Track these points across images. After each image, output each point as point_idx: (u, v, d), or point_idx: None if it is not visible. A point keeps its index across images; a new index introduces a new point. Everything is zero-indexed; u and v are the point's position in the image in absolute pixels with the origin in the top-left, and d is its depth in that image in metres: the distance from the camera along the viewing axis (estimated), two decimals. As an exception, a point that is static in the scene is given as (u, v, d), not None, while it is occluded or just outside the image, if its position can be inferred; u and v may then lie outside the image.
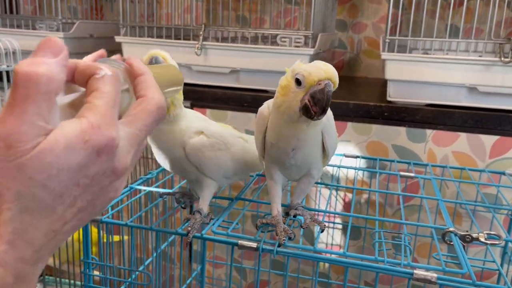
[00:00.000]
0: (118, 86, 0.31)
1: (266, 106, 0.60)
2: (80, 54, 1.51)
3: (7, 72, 1.10)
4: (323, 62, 0.52)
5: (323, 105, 0.51)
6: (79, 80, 0.31)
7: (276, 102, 0.56)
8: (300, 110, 0.52)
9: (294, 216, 0.65)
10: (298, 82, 0.52)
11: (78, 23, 1.26)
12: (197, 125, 0.64)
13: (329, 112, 0.59)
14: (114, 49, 1.24)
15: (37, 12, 1.62)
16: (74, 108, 0.31)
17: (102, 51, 0.40)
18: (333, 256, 0.60)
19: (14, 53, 1.12)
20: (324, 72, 0.51)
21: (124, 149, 0.31)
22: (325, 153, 0.61)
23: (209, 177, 0.66)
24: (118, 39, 1.16)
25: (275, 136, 0.58)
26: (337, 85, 0.52)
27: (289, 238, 0.59)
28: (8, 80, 1.13)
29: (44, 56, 0.28)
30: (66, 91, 0.32)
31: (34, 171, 0.26)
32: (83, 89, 0.32)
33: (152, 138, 0.64)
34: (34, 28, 1.29)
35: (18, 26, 1.29)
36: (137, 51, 1.16)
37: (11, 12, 1.47)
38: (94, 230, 0.82)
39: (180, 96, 0.61)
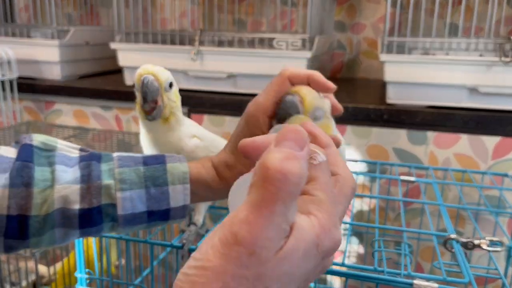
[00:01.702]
0: (330, 174, 0.28)
1: None
2: (76, 62, 1.51)
3: (2, 82, 1.10)
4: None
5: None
6: None
7: None
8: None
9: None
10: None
11: (73, 30, 1.25)
12: (191, 129, 0.63)
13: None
14: (110, 55, 1.24)
15: (32, 19, 1.61)
16: None
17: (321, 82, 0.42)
18: (332, 266, 0.59)
19: (9, 62, 1.11)
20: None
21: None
22: None
23: None
24: (113, 45, 1.15)
25: None
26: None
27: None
28: (3, 90, 1.13)
29: (293, 148, 0.24)
30: None
31: (272, 281, 0.23)
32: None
33: (150, 146, 0.63)
34: (29, 36, 1.29)
35: (14, 34, 1.29)
36: (132, 57, 1.15)
37: (6, 20, 1.47)
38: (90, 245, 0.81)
39: (178, 105, 0.60)
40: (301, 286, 0.26)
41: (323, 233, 0.25)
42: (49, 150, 0.44)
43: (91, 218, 0.43)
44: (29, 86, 1.24)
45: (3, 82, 1.10)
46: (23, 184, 0.41)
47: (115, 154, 0.47)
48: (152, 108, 0.54)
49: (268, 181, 0.23)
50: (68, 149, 0.46)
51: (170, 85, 0.56)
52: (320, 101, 0.46)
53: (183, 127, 0.62)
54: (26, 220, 0.41)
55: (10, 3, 1.58)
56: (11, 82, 1.13)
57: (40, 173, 0.42)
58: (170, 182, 0.45)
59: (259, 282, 0.23)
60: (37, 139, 0.45)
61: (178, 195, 0.45)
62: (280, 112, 0.45)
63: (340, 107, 0.47)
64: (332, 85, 0.44)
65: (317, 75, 0.43)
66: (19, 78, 1.16)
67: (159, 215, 0.45)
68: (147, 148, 0.64)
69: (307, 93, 0.45)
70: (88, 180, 0.43)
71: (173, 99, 0.56)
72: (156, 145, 0.62)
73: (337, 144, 0.39)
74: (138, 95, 0.54)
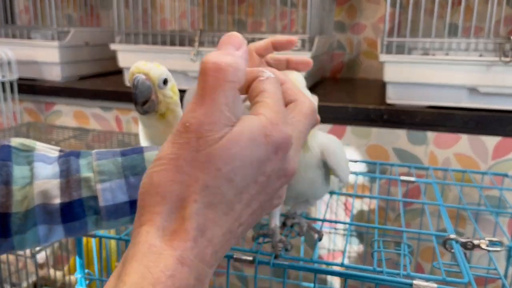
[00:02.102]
0: (280, 87, 0.31)
1: None
2: (76, 63, 1.51)
3: (2, 83, 1.10)
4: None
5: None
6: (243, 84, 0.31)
7: None
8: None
9: (292, 226, 0.64)
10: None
11: (73, 31, 1.26)
12: None
13: (337, 145, 0.57)
14: (110, 56, 1.24)
15: (33, 21, 1.62)
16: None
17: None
18: (332, 267, 0.58)
19: (9, 63, 1.11)
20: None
21: (293, 150, 0.30)
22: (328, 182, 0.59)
23: None
24: (113, 46, 1.16)
25: None
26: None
27: (286, 249, 0.58)
28: (4, 91, 1.13)
29: (228, 49, 0.28)
30: None
31: (222, 162, 0.25)
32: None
33: (146, 141, 0.62)
34: (29, 37, 1.29)
35: (14, 36, 1.29)
36: (132, 58, 1.15)
37: (6, 22, 1.47)
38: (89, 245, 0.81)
39: (176, 100, 0.58)
40: (257, 176, 0.27)
41: (270, 124, 0.27)
42: (27, 150, 0.44)
43: (73, 211, 0.42)
44: (29, 87, 1.24)
45: (3, 83, 1.10)
46: (2, 182, 0.41)
47: (94, 150, 0.47)
48: (143, 102, 0.53)
49: (206, 73, 0.26)
50: (47, 150, 0.46)
51: (165, 81, 0.54)
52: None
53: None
54: (7, 217, 0.41)
55: (11, 5, 1.58)
56: (11, 83, 1.13)
57: (19, 171, 0.42)
58: None
59: (210, 164, 0.25)
60: (16, 141, 0.45)
61: None
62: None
63: (306, 59, 0.52)
64: (293, 39, 0.50)
65: (277, 38, 0.50)
66: (19, 79, 1.16)
67: None
68: (144, 143, 0.63)
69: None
70: (67, 174, 0.43)
71: (169, 95, 0.54)
72: (153, 140, 0.61)
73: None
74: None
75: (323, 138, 0.57)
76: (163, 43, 1.15)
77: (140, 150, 0.46)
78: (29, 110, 1.29)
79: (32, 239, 0.43)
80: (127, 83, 1.20)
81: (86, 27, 1.50)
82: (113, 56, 1.19)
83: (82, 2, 1.58)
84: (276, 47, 0.51)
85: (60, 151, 0.47)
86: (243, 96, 0.31)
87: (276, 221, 0.61)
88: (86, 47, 1.32)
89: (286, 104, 0.32)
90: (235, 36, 0.30)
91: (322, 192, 0.60)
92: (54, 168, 0.43)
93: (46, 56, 1.24)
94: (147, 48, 1.13)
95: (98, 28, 1.48)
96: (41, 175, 0.42)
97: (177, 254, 0.24)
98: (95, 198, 0.43)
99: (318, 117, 0.34)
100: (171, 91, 0.55)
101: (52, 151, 0.46)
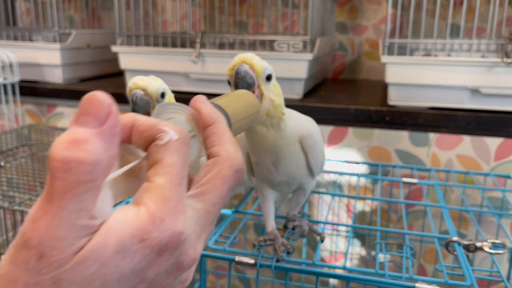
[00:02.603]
0: (186, 153, 0.25)
1: None
2: (78, 65, 1.51)
3: (4, 85, 1.10)
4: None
5: (238, 86, 0.46)
6: (137, 143, 0.25)
7: None
8: None
9: (293, 228, 0.64)
10: (229, 83, 0.49)
11: (74, 33, 1.26)
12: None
13: (314, 128, 0.56)
14: (111, 58, 1.24)
15: (34, 23, 1.62)
16: (135, 175, 0.25)
17: None
18: (334, 270, 0.58)
19: (11, 65, 1.11)
20: (237, 57, 0.47)
21: (193, 236, 0.24)
22: (311, 171, 0.58)
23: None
24: (114, 48, 1.16)
25: (252, 153, 0.55)
26: (258, 66, 0.47)
27: (288, 252, 0.58)
28: (5, 93, 1.13)
29: (86, 125, 0.21)
30: (121, 154, 0.26)
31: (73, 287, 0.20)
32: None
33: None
34: (31, 40, 1.29)
35: (15, 38, 1.29)
36: (134, 60, 1.15)
37: (8, 24, 1.47)
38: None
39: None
40: (139, 287, 0.22)
41: (151, 224, 0.22)
42: None
43: None
44: (31, 89, 1.24)
45: (5, 86, 1.10)
46: None
47: None
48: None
49: (52, 173, 0.20)
50: None
51: (162, 95, 0.55)
52: (265, 62, 0.48)
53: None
54: None
55: (12, 7, 1.59)
56: (13, 85, 1.13)
57: None
58: None
59: None
60: None
61: None
62: (239, 83, 0.46)
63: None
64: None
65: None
66: (21, 81, 1.16)
67: None
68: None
69: (252, 57, 0.47)
70: None
71: None
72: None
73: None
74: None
75: (302, 119, 0.55)
76: (165, 44, 1.15)
77: None
78: (30, 112, 1.29)
79: None
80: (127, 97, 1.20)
81: (88, 29, 1.50)
82: (114, 58, 1.19)
83: (84, 4, 1.58)
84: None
85: None
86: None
87: (272, 223, 0.60)
88: (87, 49, 1.32)
89: (209, 155, 0.27)
90: (98, 100, 0.21)
91: (309, 178, 0.59)
92: None
93: (48, 58, 1.24)
94: (149, 50, 1.13)
95: (99, 30, 1.48)
96: None
97: None
98: None
99: (243, 174, 0.28)
100: None
101: None
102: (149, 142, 0.24)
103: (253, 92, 0.47)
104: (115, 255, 0.21)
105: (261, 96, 0.48)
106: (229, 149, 0.27)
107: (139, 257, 0.21)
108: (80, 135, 0.21)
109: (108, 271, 0.20)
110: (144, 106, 0.53)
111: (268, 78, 0.48)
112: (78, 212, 0.20)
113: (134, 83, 0.53)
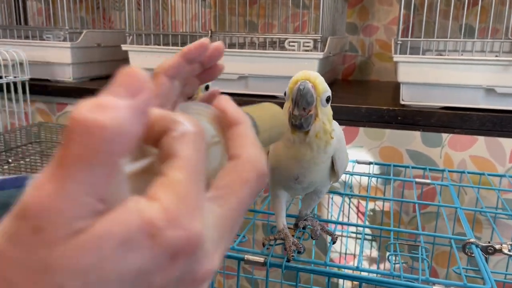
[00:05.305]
0: (203, 147, 0.21)
1: None
2: (88, 64, 1.51)
3: (14, 84, 1.10)
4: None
5: (297, 103, 0.46)
6: (146, 136, 0.21)
7: None
8: (289, 122, 0.47)
9: (304, 228, 0.63)
10: (285, 95, 0.49)
11: (85, 32, 1.26)
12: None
13: (340, 134, 0.56)
14: (122, 57, 1.24)
15: (45, 23, 1.63)
16: (146, 177, 0.22)
17: (200, 44, 0.32)
18: (346, 270, 0.57)
19: (21, 64, 1.12)
20: (302, 73, 0.47)
21: (209, 243, 0.20)
22: (334, 173, 0.57)
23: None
24: (124, 47, 1.15)
25: (276, 162, 0.54)
26: (320, 86, 0.47)
27: (299, 252, 0.56)
28: (16, 91, 1.13)
29: (117, 94, 0.19)
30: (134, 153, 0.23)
31: (65, 276, 0.16)
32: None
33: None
34: (41, 39, 1.29)
35: (26, 37, 1.30)
36: (144, 59, 1.14)
37: (19, 23, 1.48)
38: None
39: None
40: None
41: (164, 219, 0.18)
42: None
43: None
44: (41, 88, 1.24)
45: (15, 84, 1.10)
46: None
47: None
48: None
49: (68, 135, 0.17)
50: None
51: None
52: (326, 84, 0.48)
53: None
54: None
55: (24, 6, 1.60)
56: (23, 83, 1.13)
57: None
58: None
59: (46, 275, 0.16)
60: None
61: None
62: (300, 100, 0.46)
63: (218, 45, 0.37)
64: (204, 42, 0.36)
65: (186, 48, 0.35)
66: (31, 79, 1.16)
67: None
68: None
69: (317, 77, 0.47)
70: None
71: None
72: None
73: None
74: None
75: (337, 130, 0.54)
76: (175, 44, 1.14)
77: (21, 182, 0.37)
78: (40, 110, 1.29)
79: None
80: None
81: (98, 28, 1.51)
82: (125, 58, 1.19)
83: (94, 4, 1.59)
84: (190, 59, 0.35)
85: None
86: None
87: (283, 221, 0.59)
88: (98, 48, 1.32)
89: (230, 158, 0.24)
90: (134, 74, 0.19)
91: (327, 182, 0.59)
92: None
93: (58, 57, 1.25)
94: (159, 49, 1.13)
95: (110, 29, 1.49)
96: None
97: None
98: None
99: (267, 179, 0.25)
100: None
101: None
102: (161, 134, 0.21)
103: (310, 111, 0.47)
104: (118, 247, 0.17)
105: (315, 117, 0.48)
106: (252, 151, 0.24)
107: (147, 256, 0.18)
108: (108, 101, 0.18)
109: (107, 266, 0.17)
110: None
111: (327, 100, 0.49)
112: (88, 187, 0.17)
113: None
